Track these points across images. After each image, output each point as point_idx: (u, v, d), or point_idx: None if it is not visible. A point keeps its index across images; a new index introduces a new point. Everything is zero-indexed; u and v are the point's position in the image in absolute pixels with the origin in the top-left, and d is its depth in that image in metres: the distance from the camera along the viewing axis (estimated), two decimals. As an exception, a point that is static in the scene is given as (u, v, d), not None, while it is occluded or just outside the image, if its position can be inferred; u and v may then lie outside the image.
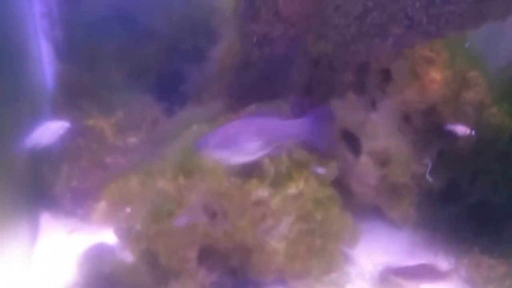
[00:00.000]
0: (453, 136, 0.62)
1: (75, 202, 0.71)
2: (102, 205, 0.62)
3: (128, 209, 0.59)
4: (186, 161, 0.53)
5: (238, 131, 0.52)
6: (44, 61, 0.83)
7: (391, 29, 0.56)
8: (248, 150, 0.51)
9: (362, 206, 0.64)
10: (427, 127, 0.63)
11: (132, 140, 0.70)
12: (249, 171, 0.53)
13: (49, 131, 0.64)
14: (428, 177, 0.63)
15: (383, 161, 0.62)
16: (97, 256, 0.61)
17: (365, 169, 0.63)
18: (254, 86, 0.62)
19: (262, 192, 0.52)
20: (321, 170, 0.58)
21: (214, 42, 0.69)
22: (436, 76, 0.62)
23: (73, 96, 0.74)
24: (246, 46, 0.66)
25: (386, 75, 0.62)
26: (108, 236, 0.64)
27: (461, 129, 0.61)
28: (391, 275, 0.56)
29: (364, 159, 0.62)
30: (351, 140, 0.64)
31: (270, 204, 0.53)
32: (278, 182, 0.53)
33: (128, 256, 0.59)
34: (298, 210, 0.53)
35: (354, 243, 0.59)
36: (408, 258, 0.60)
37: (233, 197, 0.52)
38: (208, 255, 0.56)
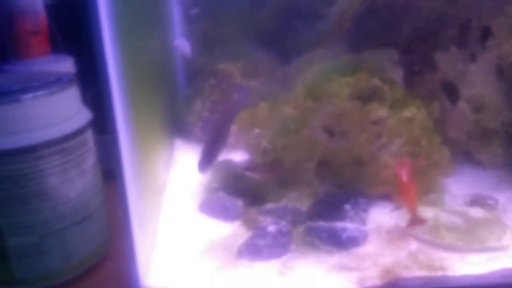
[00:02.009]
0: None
1: (205, 130, 0.85)
2: (233, 129, 0.76)
3: (257, 130, 0.72)
4: (313, 86, 0.65)
5: None
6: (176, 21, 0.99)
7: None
8: None
9: (454, 150, 0.72)
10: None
11: (254, 82, 0.83)
12: (369, 96, 0.64)
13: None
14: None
15: (477, 107, 0.71)
16: (227, 165, 0.75)
17: (461, 114, 0.72)
18: (372, 33, 0.73)
19: (381, 112, 0.62)
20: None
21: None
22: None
23: (206, 47, 0.90)
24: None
25: (486, 32, 0.70)
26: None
27: None
28: (481, 199, 0.65)
29: (461, 104, 0.71)
30: (450, 90, 0.74)
31: (386, 124, 0.63)
32: (394, 106, 0.64)
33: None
34: (408, 133, 0.63)
35: (449, 174, 0.68)
36: (493, 193, 0.68)
37: (354, 116, 0.62)
38: (323, 168, 0.67)
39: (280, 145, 0.66)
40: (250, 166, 0.71)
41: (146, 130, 0.62)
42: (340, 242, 0.58)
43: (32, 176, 0.53)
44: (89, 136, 0.59)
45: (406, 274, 0.53)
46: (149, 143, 0.64)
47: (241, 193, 0.69)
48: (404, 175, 0.58)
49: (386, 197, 0.66)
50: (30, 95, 0.53)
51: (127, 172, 0.48)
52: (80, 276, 0.58)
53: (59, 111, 0.55)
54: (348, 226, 0.59)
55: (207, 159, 0.67)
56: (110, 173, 0.58)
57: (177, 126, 0.90)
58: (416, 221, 0.58)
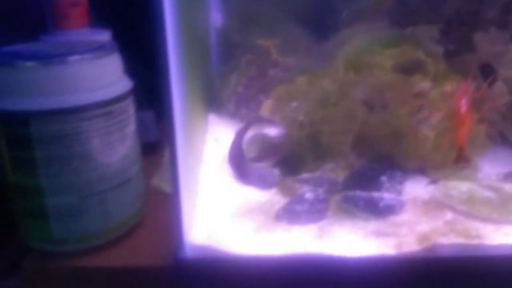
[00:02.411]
0: None
1: (238, 105, 0.87)
2: (269, 102, 0.77)
3: (294, 104, 0.74)
4: (355, 59, 0.66)
5: None
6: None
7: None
8: None
9: (489, 131, 0.73)
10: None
11: (290, 59, 0.84)
12: (412, 69, 0.65)
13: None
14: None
15: (514, 88, 0.72)
16: (262, 137, 0.76)
17: (497, 95, 0.72)
18: (414, 11, 0.73)
19: (424, 84, 0.63)
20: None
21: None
22: None
23: (243, 22, 0.91)
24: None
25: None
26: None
27: None
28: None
29: (498, 85, 0.71)
30: (487, 71, 0.74)
31: (428, 97, 0.64)
32: (436, 80, 0.65)
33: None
34: (448, 108, 0.64)
35: (483, 152, 0.69)
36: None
37: (397, 88, 0.64)
38: (360, 141, 0.68)
39: (317, 118, 0.68)
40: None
41: (190, 100, 0.63)
42: (377, 210, 0.59)
43: (75, 137, 0.54)
44: (131, 103, 0.61)
45: (444, 241, 0.54)
46: (192, 112, 0.66)
47: (276, 163, 0.70)
48: (462, 106, 0.57)
49: (422, 171, 0.67)
50: (76, 57, 0.55)
51: (178, 130, 0.50)
52: (118, 239, 0.59)
53: (103, 76, 0.57)
54: (385, 195, 0.61)
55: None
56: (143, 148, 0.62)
57: (211, 102, 0.92)
58: (462, 158, 0.57)
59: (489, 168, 0.70)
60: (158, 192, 0.70)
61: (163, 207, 0.58)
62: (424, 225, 0.57)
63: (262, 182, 0.67)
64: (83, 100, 0.55)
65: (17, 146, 0.54)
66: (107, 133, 0.57)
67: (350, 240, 0.55)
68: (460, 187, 0.63)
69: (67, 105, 0.54)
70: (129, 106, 0.61)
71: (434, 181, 0.65)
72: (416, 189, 0.65)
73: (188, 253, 0.53)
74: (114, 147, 0.58)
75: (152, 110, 0.87)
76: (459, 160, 0.58)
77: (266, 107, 0.76)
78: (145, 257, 0.57)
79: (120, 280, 0.56)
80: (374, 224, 0.58)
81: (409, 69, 0.64)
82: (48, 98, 0.53)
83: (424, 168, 0.67)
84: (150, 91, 0.71)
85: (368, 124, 0.66)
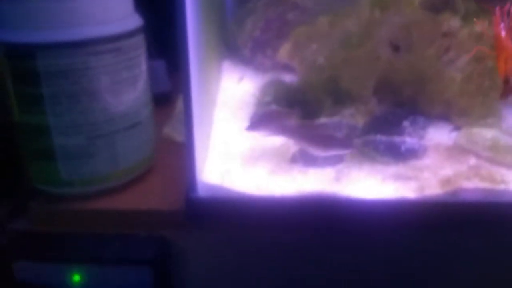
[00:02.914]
0: None
1: (255, 51, 0.83)
2: (287, 46, 0.74)
3: (314, 46, 0.70)
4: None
5: None
6: None
7: None
8: None
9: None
10: None
11: (310, 1, 0.80)
12: (441, 7, 0.61)
13: None
14: None
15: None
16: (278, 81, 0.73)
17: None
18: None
19: (454, 23, 0.59)
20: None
21: None
22: None
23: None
24: None
25: None
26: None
27: None
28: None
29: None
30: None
31: (456, 38, 0.60)
32: (466, 19, 0.61)
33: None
34: (476, 50, 0.60)
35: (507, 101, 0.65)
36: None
37: (425, 26, 0.60)
38: (383, 85, 0.65)
39: (338, 61, 0.64)
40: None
41: (205, 46, 0.61)
42: (398, 153, 0.57)
43: (83, 73, 0.52)
44: (141, 42, 0.59)
45: (468, 185, 0.52)
46: (207, 58, 0.63)
47: (293, 107, 0.67)
48: (502, 30, 0.53)
49: (445, 117, 0.64)
50: (86, -11, 0.52)
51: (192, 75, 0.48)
52: (127, 184, 0.58)
53: (113, 9, 0.55)
54: (406, 139, 0.58)
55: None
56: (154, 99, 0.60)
57: (226, 47, 0.89)
58: (509, 90, 0.54)
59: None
60: (170, 142, 0.68)
61: (174, 156, 0.56)
62: (447, 169, 0.55)
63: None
64: (92, 33, 0.52)
65: (24, 81, 0.52)
66: (116, 70, 0.54)
67: (368, 183, 0.53)
68: (484, 134, 0.60)
69: (75, 38, 0.51)
70: (139, 45, 0.58)
71: (457, 128, 0.63)
72: (439, 135, 0.63)
73: (201, 192, 0.51)
74: (124, 87, 0.56)
75: (164, 59, 0.85)
76: (506, 93, 0.54)
77: (284, 51, 0.73)
78: (155, 201, 0.56)
79: (129, 224, 0.55)
80: (394, 168, 0.56)
81: (438, 6, 0.60)
82: (57, 31, 0.51)
83: (448, 114, 0.64)
84: (162, 40, 0.69)
85: (392, 67, 0.63)
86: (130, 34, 0.56)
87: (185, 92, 0.48)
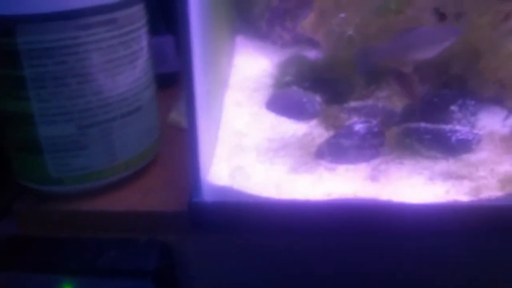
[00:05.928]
0: None
1: (272, 23, 0.75)
2: (311, 16, 0.65)
3: (342, 15, 0.62)
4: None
5: None
6: None
7: None
8: None
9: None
10: None
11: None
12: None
13: None
14: None
15: None
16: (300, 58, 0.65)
17: None
18: None
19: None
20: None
21: None
22: None
23: None
24: None
25: None
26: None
27: None
28: None
29: None
30: None
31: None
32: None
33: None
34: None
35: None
36: None
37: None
38: (427, 61, 0.56)
39: (371, 32, 0.55)
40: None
41: (213, 18, 0.53)
42: (447, 146, 0.48)
43: (72, 50, 0.45)
44: (141, 13, 0.51)
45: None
46: (215, 32, 0.55)
47: (319, 88, 0.59)
48: None
49: (499, 100, 0.55)
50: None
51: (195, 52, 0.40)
52: (125, 180, 0.51)
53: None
54: (457, 128, 0.49)
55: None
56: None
57: (239, 20, 0.80)
58: None
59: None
60: (176, 129, 0.61)
61: (181, 146, 0.48)
62: (507, 166, 0.46)
63: (299, 112, 0.57)
64: (81, 2, 0.45)
65: (1, 62, 0.45)
66: (110, 47, 0.47)
67: (412, 183, 0.45)
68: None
69: (61, 8, 0.44)
70: (139, 16, 0.50)
71: (515, 114, 0.54)
72: (492, 122, 0.54)
73: (205, 196, 0.43)
74: (121, 66, 0.49)
75: (171, 35, 0.77)
76: None
77: (307, 23, 0.64)
78: (157, 201, 0.49)
79: (127, 227, 0.48)
80: (443, 164, 0.47)
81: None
82: (39, 1, 0.44)
83: (502, 97, 0.55)
84: (169, 13, 0.61)
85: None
86: (127, 3, 0.48)
87: (186, 72, 0.40)
